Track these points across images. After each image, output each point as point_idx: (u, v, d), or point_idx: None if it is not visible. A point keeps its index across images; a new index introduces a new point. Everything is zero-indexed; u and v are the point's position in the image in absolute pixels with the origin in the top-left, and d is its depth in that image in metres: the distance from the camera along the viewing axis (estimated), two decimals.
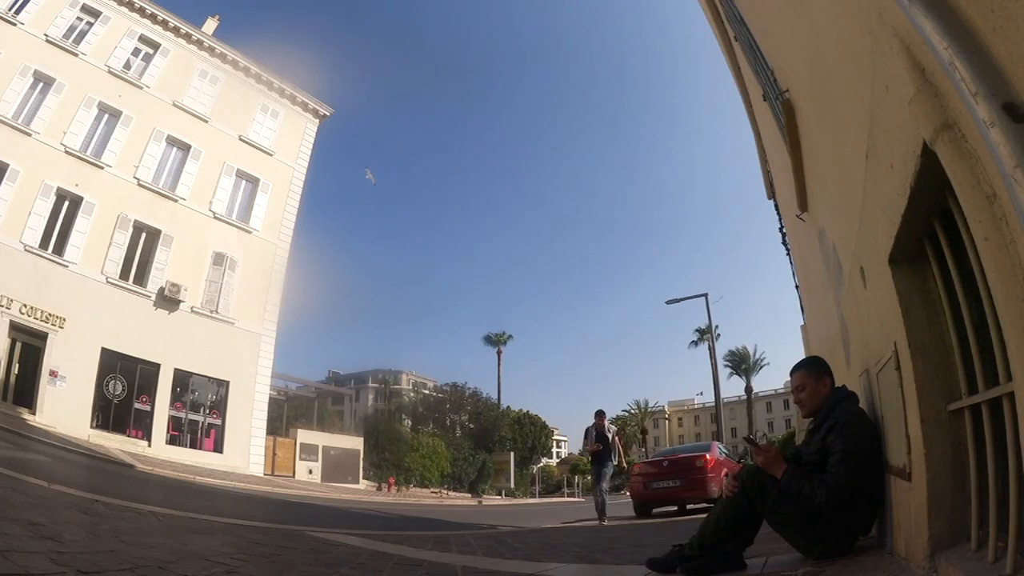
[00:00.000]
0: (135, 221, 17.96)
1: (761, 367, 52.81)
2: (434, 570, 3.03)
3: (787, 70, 3.73)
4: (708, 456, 9.69)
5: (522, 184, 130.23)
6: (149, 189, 18.43)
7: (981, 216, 1.10)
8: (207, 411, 18.89)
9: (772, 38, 4.03)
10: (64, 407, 14.97)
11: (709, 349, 23.31)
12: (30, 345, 15.27)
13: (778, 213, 10.01)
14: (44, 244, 16.03)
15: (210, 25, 21.85)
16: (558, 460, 67.52)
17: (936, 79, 1.18)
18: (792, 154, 4.09)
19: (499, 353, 47.97)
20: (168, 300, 18.01)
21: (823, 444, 2.50)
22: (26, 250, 15.56)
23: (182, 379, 18.27)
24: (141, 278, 17.85)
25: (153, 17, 19.54)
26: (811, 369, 2.80)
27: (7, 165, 15.58)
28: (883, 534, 2.57)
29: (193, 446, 18.00)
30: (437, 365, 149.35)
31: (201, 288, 19.05)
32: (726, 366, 51.11)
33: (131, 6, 19.00)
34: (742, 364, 52.36)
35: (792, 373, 2.88)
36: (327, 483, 21.39)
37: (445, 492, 27.65)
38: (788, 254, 10.84)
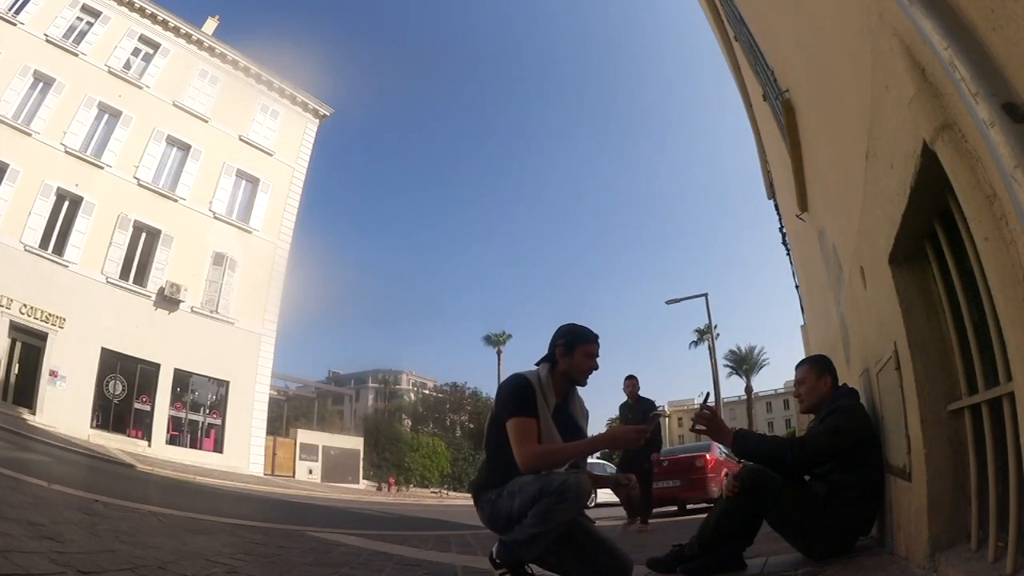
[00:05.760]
0: (135, 221, 17.95)
1: (761, 367, 52.82)
2: (434, 570, 3.03)
3: (787, 70, 3.73)
4: (708, 456, 9.68)
5: (521, 183, 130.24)
6: (149, 189, 18.42)
7: (981, 216, 1.10)
8: (207, 411, 18.88)
9: (772, 38, 4.03)
10: (64, 407, 14.96)
11: (709, 349, 23.27)
12: (30, 345, 15.26)
13: (778, 213, 10.02)
14: (44, 244, 16.01)
15: (210, 25, 21.84)
16: None
17: (936, 79, 1.18)
18: (792, 154, 4.10)
19: (499, 353, 47.88)
20: (168, 300, 18.00)
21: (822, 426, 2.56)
22: (26, 250, 15.55)
23: (182, 379, 18.26)
24: (141, 278, 17.84)
25: (153, 17, 19.53)
26: (814, 365, 2.88)
27: (7, 165, 15.58)
28: (883, 534, 2.57)
29: (193, 446, 17.99)
30: (437, 365, 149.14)
31: (201, 288, 19.03)
32: (726, 366, 51.11)
33: (131, 6, 19.00)
34: (742, 364, 52.32)
35: (797, 367, 2.97)
36: (327, 483, 21.39)
37: (445, 492, 27.65)
38: (788, 254, 10.85)
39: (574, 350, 2.44)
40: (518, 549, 2.17)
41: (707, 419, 2.58)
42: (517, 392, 2.36)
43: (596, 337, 2.49)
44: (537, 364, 2.49)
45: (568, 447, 2.29)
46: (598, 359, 2.47)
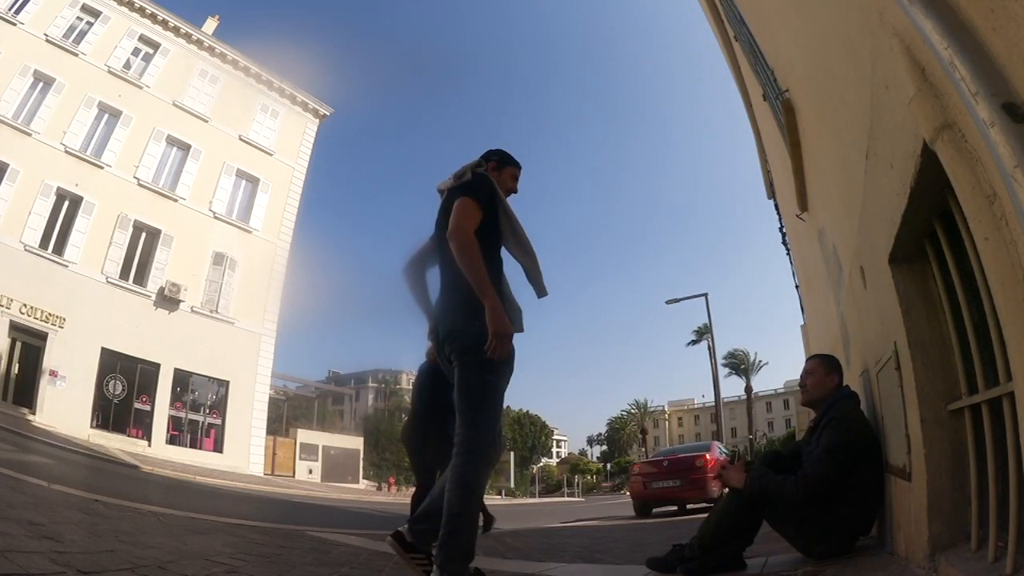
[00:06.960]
0: (135, 221, 17.95)
1: (761, 367, 52.83)
2: None
3: (787, 70, 3.73)
4: (708, 456, 9.69)
5: (521, 182, 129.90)
6: (149, 189, 18.42)
7: (981, 216, 1.09)
8: (207, 411, 18.88)
9: (772, 38, 4.02)
10: (64, 407, 14.96)
11: (709, 349, 23.26)
12: (30, 345, 15.27)
13: (778, 213, 10.01)
14: (44, 244, 16.02)
15: (210, 25, 21.84)
16: (558, 460, 67.56)
17: (936, 79, 1.18)
18: (792, 154, 4.09)
19: None
20: (168, 300, 18.00)
21: (820, 442, 2.54)
22: (26, 250, 15.56)
23: (182, 379, 18.27)
24: (141, 278, 17.85)
25: (153, 17, 19.53)
26: (824, 361, 2.91)
27: (7, 165, 15.58)
28: (883, 534, 2.57)
29: (193, 446, 18.00)
30: None
31: (201, 288, 19.04)
32: (725, 366, 51.04)
33: (131, 6, 19.00)
34: (741, 365, 52.32)
35: (808, 360, 2.99)
36: (327, 483, 21.40)
37: None
38: (788, 254, 10.85)
39: (504, 168, 2.52)
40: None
41: (729, 468, 2.76)
42: (487, 184, 2.33)
43: (521, 168, 2.60)
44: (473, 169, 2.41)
45: (485, 275, 2.11)
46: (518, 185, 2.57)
